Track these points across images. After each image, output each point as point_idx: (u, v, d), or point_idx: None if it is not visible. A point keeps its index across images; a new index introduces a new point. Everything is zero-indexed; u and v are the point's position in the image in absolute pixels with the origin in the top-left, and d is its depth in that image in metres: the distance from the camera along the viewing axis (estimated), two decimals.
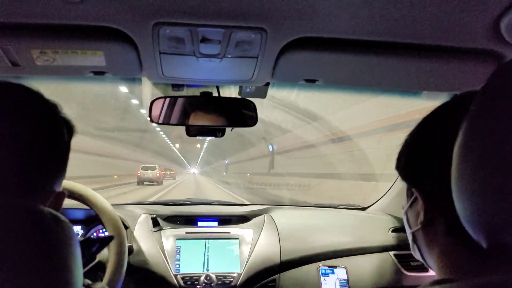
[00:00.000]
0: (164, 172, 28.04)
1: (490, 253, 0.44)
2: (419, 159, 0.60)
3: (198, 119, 1.30)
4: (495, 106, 0.41)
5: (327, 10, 0.80)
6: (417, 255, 0.65)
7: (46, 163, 0.59)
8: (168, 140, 38.00)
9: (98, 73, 1.04)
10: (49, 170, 0.60)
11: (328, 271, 1.64)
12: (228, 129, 1.36)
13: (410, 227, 0.64)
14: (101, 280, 1.32)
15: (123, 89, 14.93)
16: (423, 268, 1.65)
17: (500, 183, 0.39)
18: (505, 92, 0.41)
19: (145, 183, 22.54)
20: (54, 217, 0.51)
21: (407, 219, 0.65)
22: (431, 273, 1.08)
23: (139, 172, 23.36)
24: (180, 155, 59.52)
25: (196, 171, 73.89)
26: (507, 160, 0.38)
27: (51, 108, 0.62)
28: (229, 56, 0.96)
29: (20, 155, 0.55)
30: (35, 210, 0.51)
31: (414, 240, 0.63)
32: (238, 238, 1.71)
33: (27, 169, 0.56)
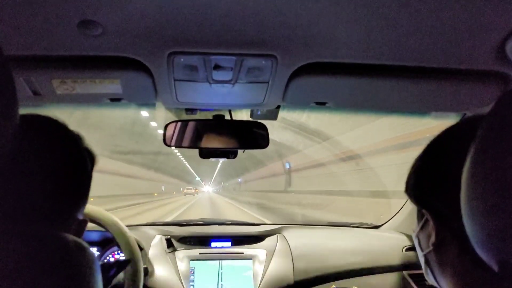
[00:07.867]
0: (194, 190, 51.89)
1: (501, 275, 0.44)
2: (429, 181, 0.60)
3: (210, 142, 1.32)
4: (502, 131, 0.42)
5: (336, 37, 0.82)
6: (430, 279, 0.64)
7: (71, 193, 0.61)
8: (183, 160, 38.88)
9: (115, 99, 1.08)
10: (73, 199, 0.62)
11: None
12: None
13: (422, 250, 0.64)
14: None
15: (153, 123, 15.17)
16: None
17: (508, 206, 0.40)
18: (511, 118, 0.42)
19: (186, 195, 41.76)
20: (77, 244, 0.54)
21: (419, 242, 0.65)
22: None
23: (184, 190, 46.07)
24: (194, 172, 58.63)
25: (211, 189, 69.85)
26: None
27: (76, 140, 0.65)
28: (241, 81, 0.98)
29: (46, 185, 0.57)
30: (59, 238, 0.53)
31: (427, 262, 0.63)
32: (251, 259, 1.71)
33: (53, 199, 0.58)
